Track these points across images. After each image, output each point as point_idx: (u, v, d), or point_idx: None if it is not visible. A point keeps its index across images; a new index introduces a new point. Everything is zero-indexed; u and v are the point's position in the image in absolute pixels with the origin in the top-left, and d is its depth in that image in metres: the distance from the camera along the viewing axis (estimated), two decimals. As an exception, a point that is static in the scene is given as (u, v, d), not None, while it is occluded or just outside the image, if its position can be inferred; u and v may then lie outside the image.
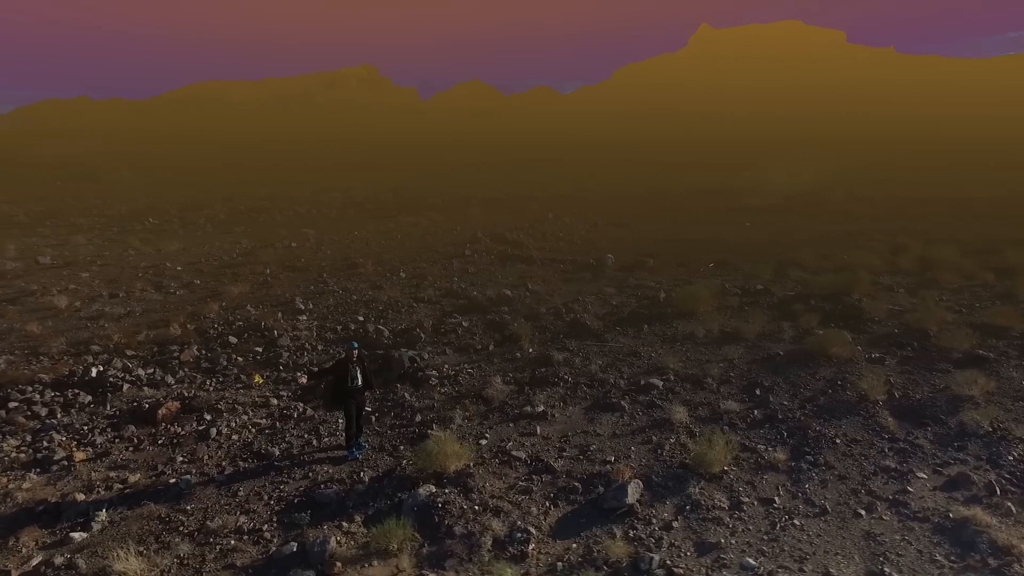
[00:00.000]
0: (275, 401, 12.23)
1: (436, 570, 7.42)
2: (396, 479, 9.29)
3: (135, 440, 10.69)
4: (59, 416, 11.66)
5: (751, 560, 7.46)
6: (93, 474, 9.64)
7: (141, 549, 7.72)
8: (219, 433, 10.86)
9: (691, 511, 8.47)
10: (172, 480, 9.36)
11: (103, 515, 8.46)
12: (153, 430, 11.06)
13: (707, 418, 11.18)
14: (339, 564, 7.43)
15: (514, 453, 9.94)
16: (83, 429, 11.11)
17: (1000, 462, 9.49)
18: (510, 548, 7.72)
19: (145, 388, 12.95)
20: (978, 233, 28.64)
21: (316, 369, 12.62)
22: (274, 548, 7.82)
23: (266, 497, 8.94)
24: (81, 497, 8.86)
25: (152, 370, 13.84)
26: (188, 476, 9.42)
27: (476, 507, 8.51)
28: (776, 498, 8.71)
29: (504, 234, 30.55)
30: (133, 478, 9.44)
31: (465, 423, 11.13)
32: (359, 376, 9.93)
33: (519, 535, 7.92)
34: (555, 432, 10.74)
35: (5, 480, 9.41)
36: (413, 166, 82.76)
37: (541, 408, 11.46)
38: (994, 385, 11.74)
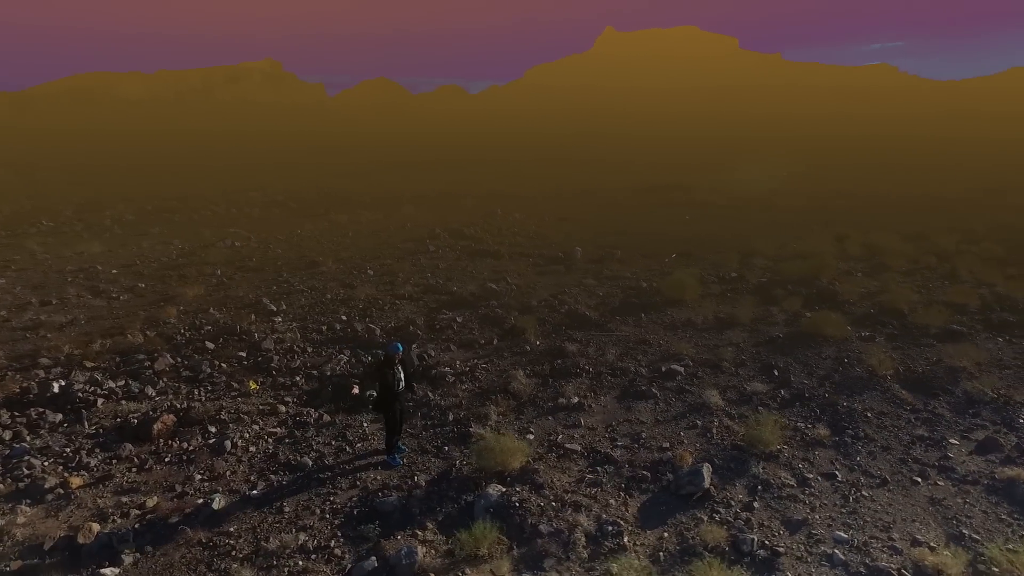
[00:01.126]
0: (283, 408, 11.21)
1: (535, 571, 6.99)
2: (455, 481, 8.72)
3: (136, 460, 9.43)
4: (28, 439, 10.11)
5: (842, 533, 7.56)
6: (99, 500, 8.40)
7: (196, 580, 6.77)
8: (234, 445, 9.80)
9: (763, 491, 8.50)
10: (199, 500, 8.31)
11: (132, 545, 7.36)
12: (153, 447, 9.81)
13: (737, 400, 11.33)
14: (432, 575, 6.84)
15: (567, 446, 9.62)
16: (65, 452, 9.68)
17: (1014, 425, 10.23)
18: (605, 542, 7.42)
19: (123, 402, 11.49)
20: (902, 223, 31.15)
21: (364, 376, 11.84)
22: (350, 565, 7.10)
23: (318, 511, 8.12)
24: (96, 527, 7.67)
25: (123, 382, 12.34)
26: (216, 495, 8.40)
27: (553, 503, 8.13)
28: (837, 472, 8.92)
29: (462, 229, 29.93)
30: (151, 502, 8.30)
31: (501, 419, 10.66)
32: (402, 378, 9.25)
33: (610, 528, 7.63)
34: (598, 422, 10.52)
35: (-9, 516, 8.00)
36: (328, 165, 79.30)
37: (576, 400, 11.19)
38: (983, 356, 12.69)
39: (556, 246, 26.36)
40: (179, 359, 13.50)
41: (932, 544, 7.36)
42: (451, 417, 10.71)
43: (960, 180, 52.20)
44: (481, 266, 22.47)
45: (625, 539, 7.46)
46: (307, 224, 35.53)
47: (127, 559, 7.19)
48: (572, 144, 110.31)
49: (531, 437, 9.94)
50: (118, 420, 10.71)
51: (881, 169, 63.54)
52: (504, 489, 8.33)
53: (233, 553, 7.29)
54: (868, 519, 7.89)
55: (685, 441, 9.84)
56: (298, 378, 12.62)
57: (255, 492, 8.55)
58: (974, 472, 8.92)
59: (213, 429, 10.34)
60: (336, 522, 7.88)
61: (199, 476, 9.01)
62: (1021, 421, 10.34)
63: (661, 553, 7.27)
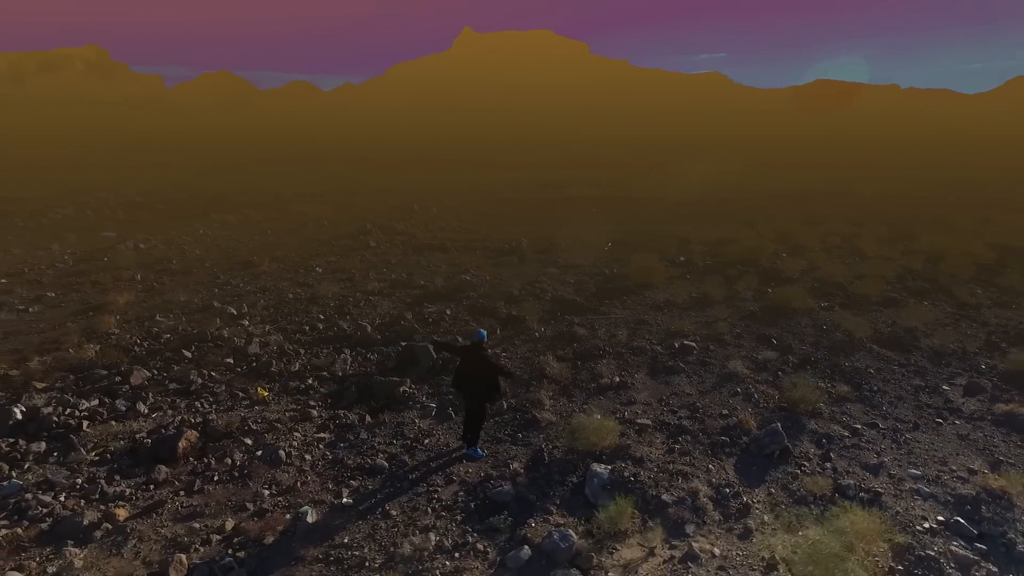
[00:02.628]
0: (314, 413, 10.27)
1: (684, 538, 7.12)
2: (555, 464, 8.57)
3: (179, 482, 8.20)
4: (14, 474, 8.40)
5: (915, 470, 8.50)
6: (162, 530, 7.21)
7: (347, 597, 6.10)
8: (288, 455, 8.85)
9: (829, 443, 9.29)
10: (287, 516, 7.44)
11: (240, 572, 6.45)
12: (189, 467, 8.58)
13: (756, 368, 12.19)
14: (594, 556, 6.72)
15: (639, 421, 9.81)
16: (77, 483, 8.17)
17: (981, 370, 12.02)
18: (730, 503, 7.73)
19: (114, 423, 9.89)
20: (788, 213, 34.81)
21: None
22: (499, 557, 6.77)
23: (429, 510, 7.61)
24: (184, 558, 6.61)
25: (97, 400, 10.60)
26: (306, 508, 7.57)
27: (662, 475, 8.30)
28: (877, 422, 9.95)
29: (392, 225, 28.86)
30: (229, 524, 7.28)
31: (554, 402, 10.61)
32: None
33: (727, 490, 7.96)
34: (649, 398, 10.82)
35: (34, 564, 6.58)
36: (177, 164, 71.61)
37: (617, 379, 11.41)
38: (929, 317, 14.70)
39: (494, 239, 26.33)
40: (155, 371, 11.83)
41: (984, 471, 8.51)
42: (505, 404, 10.46)
43: (816, 176, 59.26)
44: (433, 260, 21.90)
45: (745, 499, 7.81)
46: (197, 225, 32.26)
47: (245, 589, 6.28)
48: (441, 143, 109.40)
49: (598, 417, 9.99)
50: (123, 442, 9.22)
51: (744, 166, 70.35)
52: (611, 466, 8.35)
53: (367, 564, 6.64)
54: (925, 457, 8.92)
55: (737, 407, 10.43)
56: (311, 380, 11.60)
57: (347, 500, 7.81)
58: (976, 411, 10.38)
59: (249, 441, 9.24)
60: (457, 518, 7.45)
61: (268, 492, 8.03)
62: (983, 366, 12.17)
63: (780, 507, 7.71)
